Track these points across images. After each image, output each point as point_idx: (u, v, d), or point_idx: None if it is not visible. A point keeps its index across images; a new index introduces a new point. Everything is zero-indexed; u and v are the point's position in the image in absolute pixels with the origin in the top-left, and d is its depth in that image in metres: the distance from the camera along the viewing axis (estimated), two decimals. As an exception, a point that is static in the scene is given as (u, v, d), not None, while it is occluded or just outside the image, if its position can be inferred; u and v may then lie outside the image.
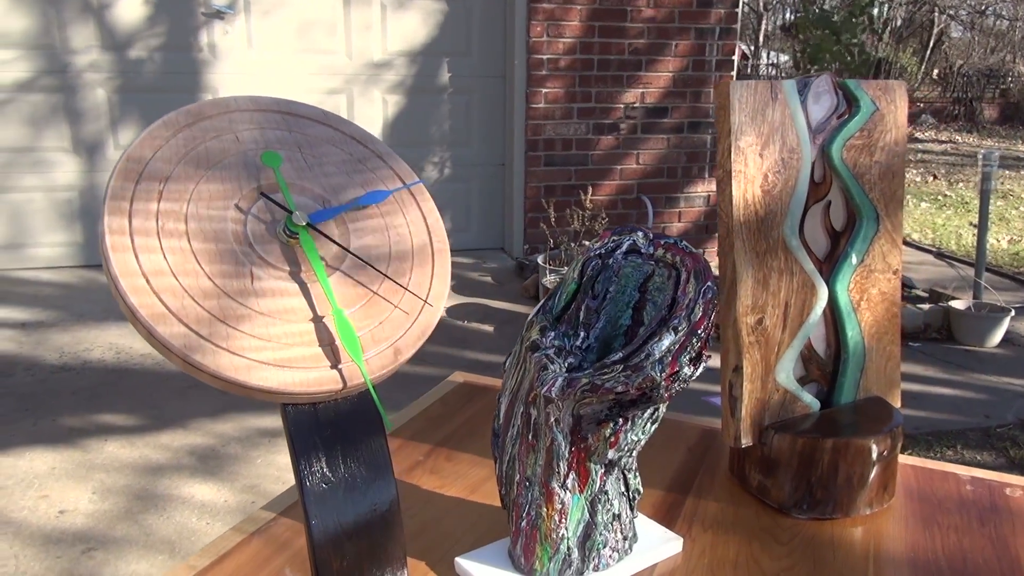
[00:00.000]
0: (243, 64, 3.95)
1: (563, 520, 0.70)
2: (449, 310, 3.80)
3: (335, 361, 0.44)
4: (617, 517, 0.73)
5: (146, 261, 0.41)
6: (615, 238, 0.77)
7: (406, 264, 0.49)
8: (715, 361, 1.00)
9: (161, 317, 0.40)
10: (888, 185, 0.89)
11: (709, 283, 0.70)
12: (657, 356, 0.65)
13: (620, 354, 0.67)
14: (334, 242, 0.46)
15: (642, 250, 0.75)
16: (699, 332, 0.67)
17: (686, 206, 4.49)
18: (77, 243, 3.97)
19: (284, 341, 0.43)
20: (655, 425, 0.71)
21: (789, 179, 0.83)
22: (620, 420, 0.68)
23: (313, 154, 0.49)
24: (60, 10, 3.70)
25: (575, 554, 0.71)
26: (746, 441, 0.84)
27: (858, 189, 0.87)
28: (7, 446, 2.56)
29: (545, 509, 0.70)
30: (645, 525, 0.79)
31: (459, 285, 4.08)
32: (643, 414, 0.69)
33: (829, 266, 0.87)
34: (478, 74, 4.29)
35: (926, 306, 3.75)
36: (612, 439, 0.69)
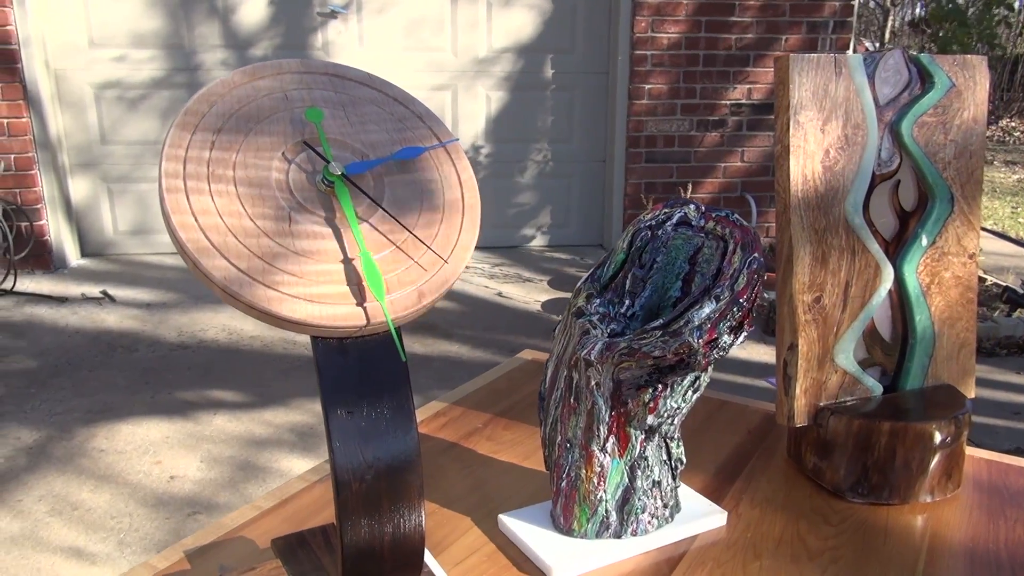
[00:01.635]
0: (354, 61, 4.11)
1: (602, 483, 0.72)
2: (545, 304, 3.83)
3: (361, 299, 0.47)
4: (657, 484, 0.74)
5: (195, 202, 0.46)
6: (667, 210, 0.77)
7: (436, 216, 0.52)
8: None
9: (205, 251, 0.45)
10: (965, 165, 0.86)
11: (756, 254, 0.70)
12: (696, 323, 0.66)
13: (661, 320, 0.68)
14: (360, 190, 0.49)
15: (693, 223, 0.76)
16: (741, 301, 0.67)
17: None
18: (198, 230, 4.22)
19: (315, 279, 0.47)
20: (697, 394, 0.72)
21: (853, 156, 0.81)
22: (659, 386, 0.69)
23: (356, 113, 0.53)
24: (189, 12, 3.95)
25: (613, 517, 0.73)
26: (800, 421, 0.83)
27: (931, 168, 0.84)
28: (128, 415, 2.76)
29: (584, 471, 0.72)
30: (690, 497, 0.80)
31: (557, 280, 4.11)
32: (682, 381, 0.70)
33: (897, 247, 0.85)
34: (581, 70, 4.30)
35: (1052, 316, 3.51)
36: (651, 404, 0.70)
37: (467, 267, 4.18)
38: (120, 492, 2.29)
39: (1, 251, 3.82)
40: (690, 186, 4.15)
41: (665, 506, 0.75)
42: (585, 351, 0.69)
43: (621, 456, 0.72)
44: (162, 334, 3.41)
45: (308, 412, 2.77)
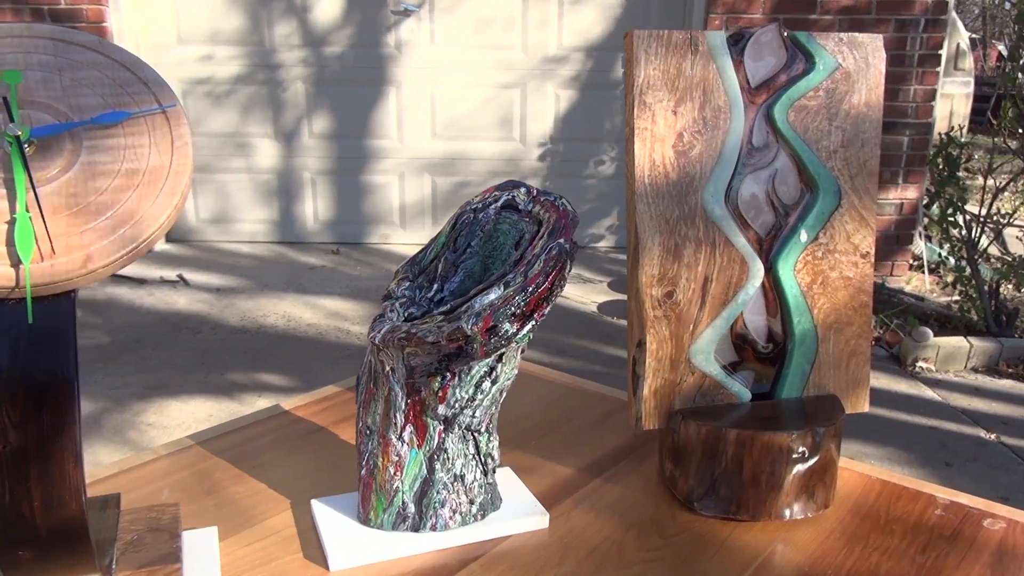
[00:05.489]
0: (425, 59, 4.17)
1: (399, 473, 0.69)
2: (601, 306, 3.77)
3: (14, 261, 0.47)
4: (460, 478, 0.70)
5: None
6: (496, 193, 0.74)
7: (134, 180, 0.52)
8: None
9: None
10: (855, 154, 0.78)
11: (561, 240, 0.66)
12: (476, 309, 0.63)
13: (448, 305, 0.65)
14: (21, 156, 0.49)
15: (520, 207, 0.72)
16: (530, 288, 0.63)
17: (876, 213, 4.12)
18: (273, 220, 4.39)
19: (-29, 238, 0.47)
20: (496, 385, 0.68)
21: (713, 141, 0.75)
22: (448, 374, 0.66)
23: (72, 77, 0.53)
24: (269, 10, 4.11)
25: (411, 509, 0.70)
26: (648, 424, 0.77)
27: (811, 157, 0.77)
28: (180, 393, 2.89)
29: (381, 460, 0.70)
30: (519, 495, 0.76)
31: (617, 282, 4.03)
32: (471, 371, 0.66)
33: (772, 241, 0.78)
34: (653, 69, 4.20)
35: None
36: (440, 393, 0.67)
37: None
38: (152, 465, 2.39)
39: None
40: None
41: (472, 502, 0.71)
42: (371, 334, 0.67)
43: (420, 446, 0.69)
44: (226, 318, 3.56)
45: (342, 400, 2.82)
